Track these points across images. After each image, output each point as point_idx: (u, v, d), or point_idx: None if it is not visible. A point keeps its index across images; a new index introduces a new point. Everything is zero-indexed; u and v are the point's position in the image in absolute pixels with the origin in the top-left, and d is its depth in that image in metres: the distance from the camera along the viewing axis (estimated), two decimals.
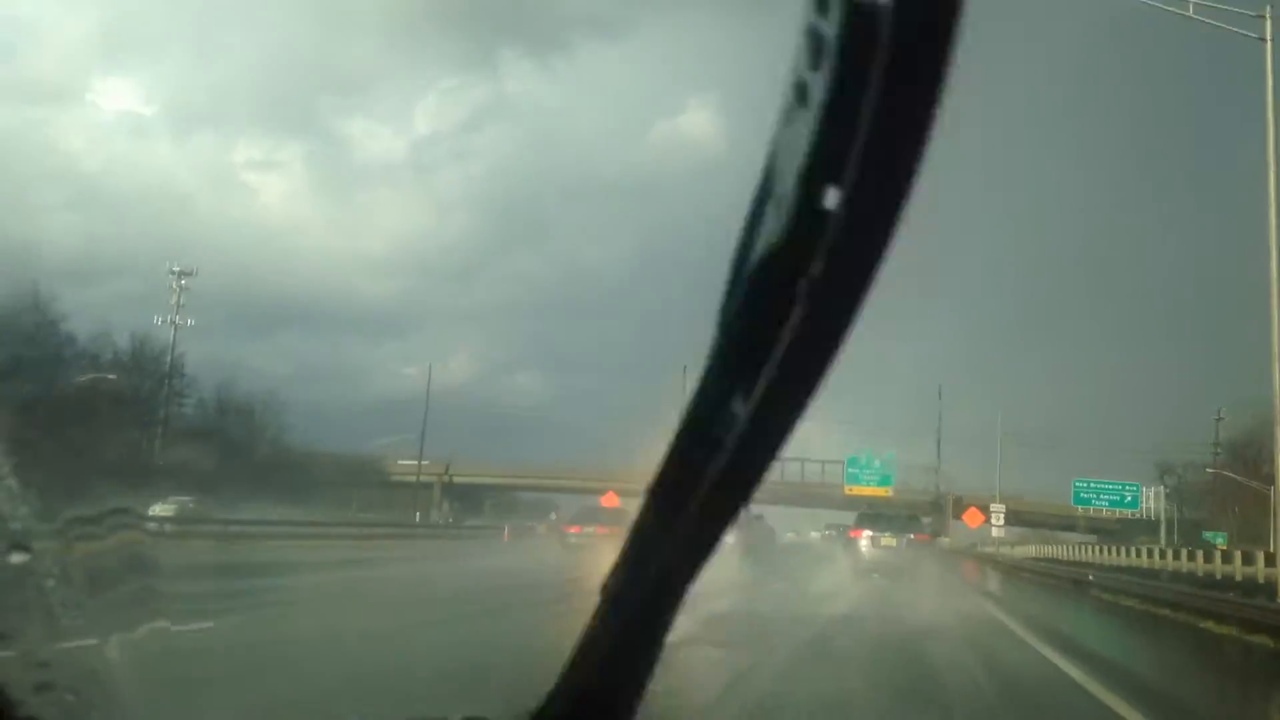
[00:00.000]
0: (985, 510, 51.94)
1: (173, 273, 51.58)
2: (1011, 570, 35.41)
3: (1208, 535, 49.19)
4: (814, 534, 66.35)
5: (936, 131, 0.62)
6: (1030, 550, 54.11)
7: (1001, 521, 51.54)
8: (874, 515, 28.58)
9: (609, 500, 43.74)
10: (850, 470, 60.26)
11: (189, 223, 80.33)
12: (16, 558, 1.59)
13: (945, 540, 59.04)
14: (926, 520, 49.34)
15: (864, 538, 26.34)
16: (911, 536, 27.09)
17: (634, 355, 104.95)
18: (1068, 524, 65.61)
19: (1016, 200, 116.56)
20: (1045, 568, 35.22)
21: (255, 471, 45.15)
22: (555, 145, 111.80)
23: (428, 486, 64.72)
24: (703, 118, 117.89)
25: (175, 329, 50.18)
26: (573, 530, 32.22)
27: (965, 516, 53.14)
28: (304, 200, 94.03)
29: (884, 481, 59.40)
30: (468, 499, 67.38)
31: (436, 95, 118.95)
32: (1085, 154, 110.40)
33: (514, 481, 68.02)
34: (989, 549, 67.79)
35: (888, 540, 26.09)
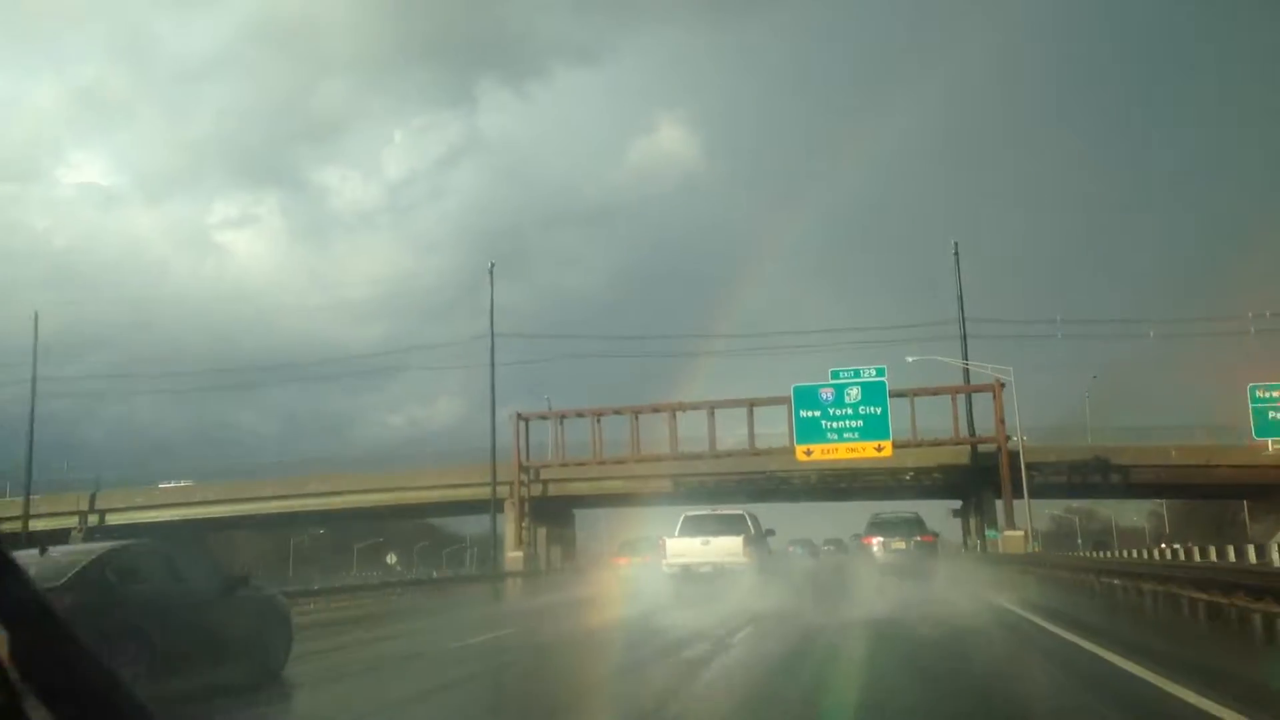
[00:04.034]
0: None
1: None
2: None
3: None
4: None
5: None
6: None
7: None
8: (880, 523, 29.72)
9: None
10: (803, 415, 31.01)
11: (167, 289, 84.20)
12: None
13: (1004, 536, 30.40)
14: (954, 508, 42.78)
15: (875, 543, 29.05)
16: (918, 538, 28.78)
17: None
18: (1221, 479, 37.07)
19: None
20: None
21: None
22: (534, 172, 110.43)
23: (60, 536, 36.65)
24: (677, 133, 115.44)
25: None
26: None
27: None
28: (281, 253, 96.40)
29: (873, 431, 30.40)
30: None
31: (411, 133, 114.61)
32: None
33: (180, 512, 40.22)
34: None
35: (897, 544, 28.59)
